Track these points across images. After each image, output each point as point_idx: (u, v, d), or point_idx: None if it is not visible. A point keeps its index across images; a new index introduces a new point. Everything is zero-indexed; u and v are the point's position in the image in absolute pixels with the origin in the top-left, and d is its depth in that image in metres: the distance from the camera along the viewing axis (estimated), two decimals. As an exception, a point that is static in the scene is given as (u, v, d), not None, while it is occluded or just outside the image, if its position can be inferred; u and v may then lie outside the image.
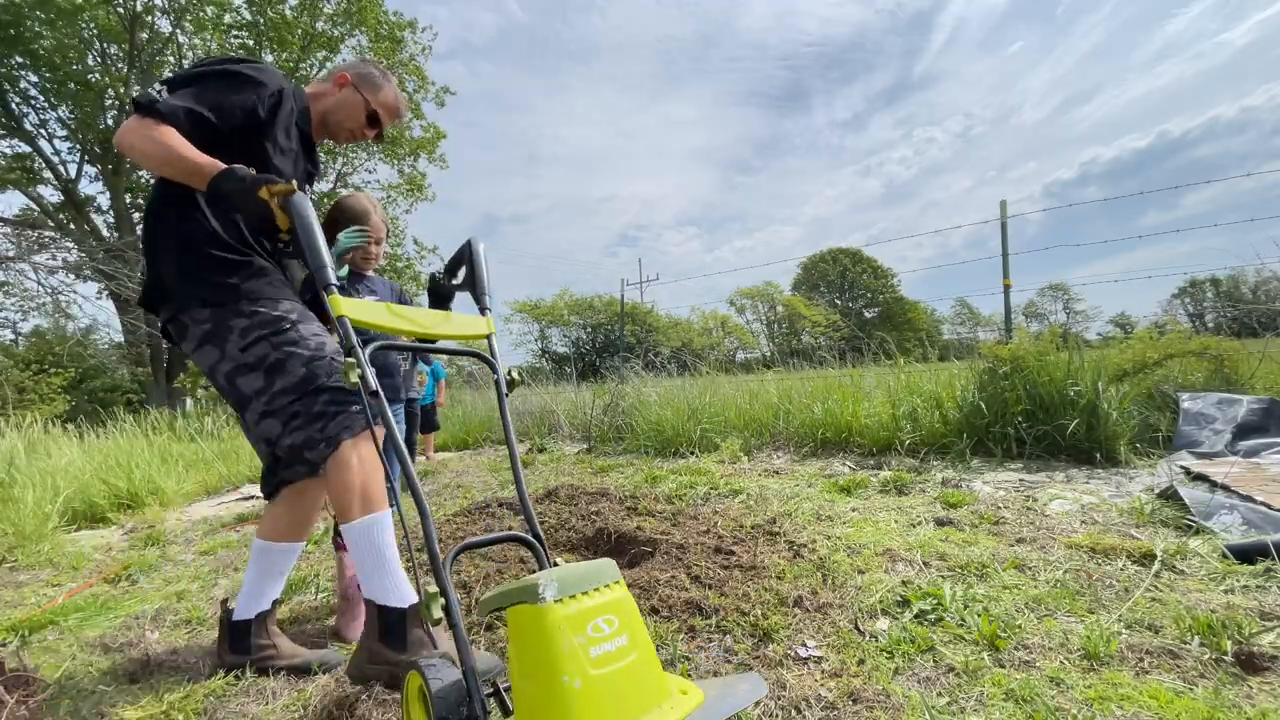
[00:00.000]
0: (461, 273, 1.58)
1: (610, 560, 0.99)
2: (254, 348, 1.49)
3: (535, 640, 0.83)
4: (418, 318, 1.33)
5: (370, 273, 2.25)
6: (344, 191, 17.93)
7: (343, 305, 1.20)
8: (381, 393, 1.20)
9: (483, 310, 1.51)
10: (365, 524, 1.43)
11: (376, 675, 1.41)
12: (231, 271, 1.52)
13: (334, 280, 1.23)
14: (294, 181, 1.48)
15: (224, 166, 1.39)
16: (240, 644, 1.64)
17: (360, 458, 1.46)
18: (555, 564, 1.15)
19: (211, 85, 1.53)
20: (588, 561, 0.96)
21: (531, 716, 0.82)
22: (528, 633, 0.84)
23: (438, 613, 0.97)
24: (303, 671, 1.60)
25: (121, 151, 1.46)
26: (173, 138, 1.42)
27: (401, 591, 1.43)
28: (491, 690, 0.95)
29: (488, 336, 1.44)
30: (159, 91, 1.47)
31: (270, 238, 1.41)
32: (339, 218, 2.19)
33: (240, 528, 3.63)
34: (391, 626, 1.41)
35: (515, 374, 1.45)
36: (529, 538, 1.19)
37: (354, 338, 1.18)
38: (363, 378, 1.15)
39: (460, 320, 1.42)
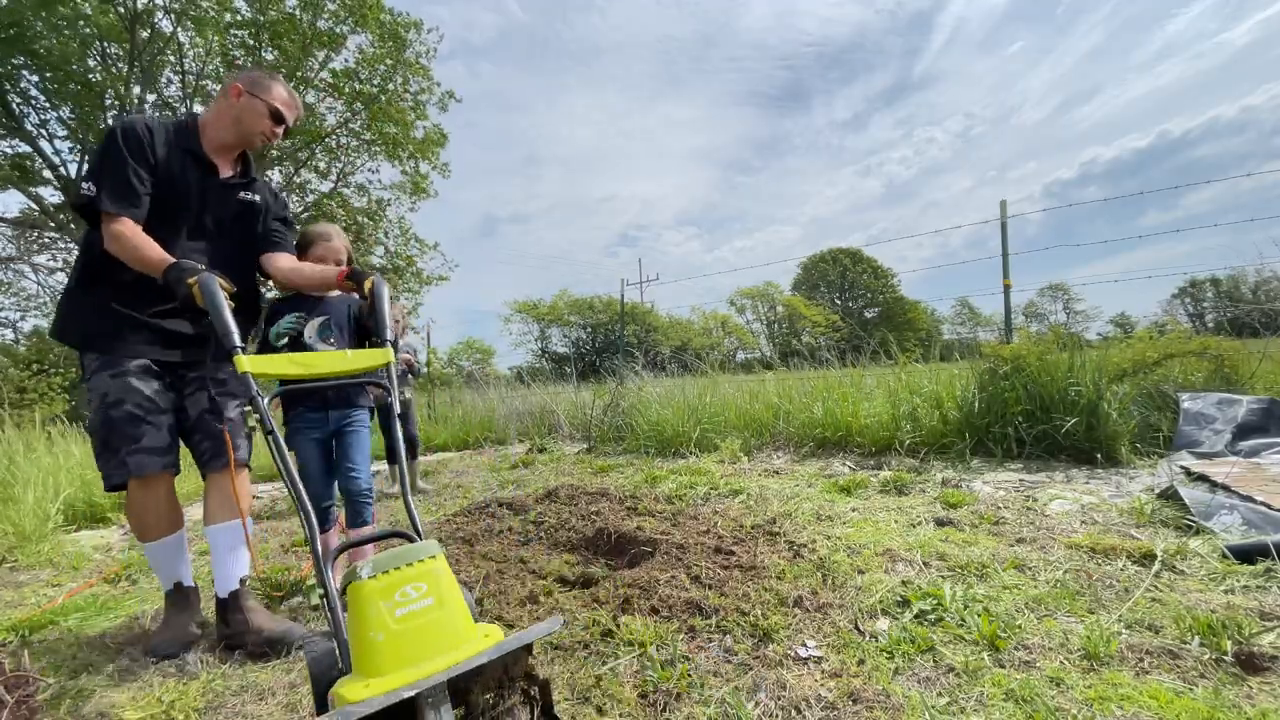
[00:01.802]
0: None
1: (434, 541, 1.20)
2: (89, 381, 1.88)
3: (356, 608, 1.06)
4: (315, 363, 1.54)
5: (334, 291, 2.40)
6: (346, 191, 17.95)
7: (245, 363, 1.42)
8: (277, 432, 1.39)
9: (381, 343, 1.74)
10: (148, 549, 1.88)
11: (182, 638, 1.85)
12: (105, 321, 1.86)
13: (238, 344, 1.47)
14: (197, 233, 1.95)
15: (171, 261, 1.70)
16: (224, 619, 1.91)
17: (137, 497, 1.85)
18: None
19: (115, 162, 1.81)
20: (411, 545, 1.17)
21: (357, 666, 1.04)
22: (353, 603, 1.07)
23: (315, 599, 1.27)
24: (274, 644, 1.80)
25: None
26: (126, 236, 1.75)
27: (174, 576, 1.92)
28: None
29: (386, 365, 1.66)
30: (89, 188, 1.78)
31: (195, 313, 1.65)
32: (304, 243, 2.42)
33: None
34: (175, 604, 1.90)
35: (408, 394, 1.95)
36: (409, 533, 1.39)
37: (254, 387, 1.40)
38: (260, 420, 1.37)
39: (358, 355, 1.64)
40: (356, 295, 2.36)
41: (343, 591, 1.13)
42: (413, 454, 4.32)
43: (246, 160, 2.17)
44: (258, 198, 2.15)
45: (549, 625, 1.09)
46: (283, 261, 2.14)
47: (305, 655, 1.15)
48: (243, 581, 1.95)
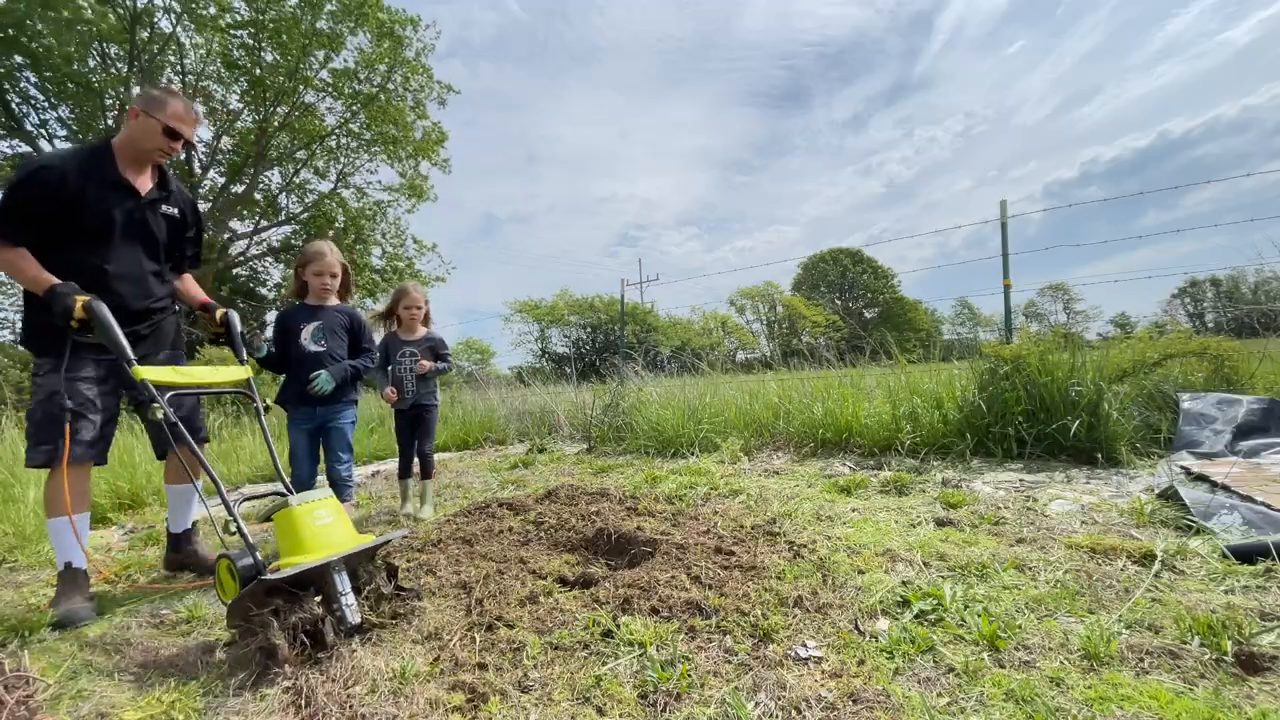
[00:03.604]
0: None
1: (328, 489, 1.98)
2: (37, 379, 2.18)
3: (289, 522, 1.75)
4: (195, 374, 2.06)
5: (332, 301, 2.88)
6: (345, 192, 17.97)
7: (142, 372, 1.86)
8: (180, 425, 1.84)
9: (241, 362, 2.29)
10: (54, 524, 2.15)
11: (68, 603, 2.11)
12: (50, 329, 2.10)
13: (132, 357, 1.89)
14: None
15: (54, 283, 2.00)
16: (175, 547, 2.59)
17: (57, 479, 2.11)
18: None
19: (14, 203, 2.06)
20: (318, 490, 1.89)
21: (290, 552, 1.71)
22: (287, 520, 1.76)
23: (232, 529, 1.76)
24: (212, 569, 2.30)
25: None
26: (17, 260, 2.05)
27: (65, 558, 2.17)
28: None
29: (247, 380, 2.20)
30: None
31: (68, 327, 1.97)
32: (303, 260, 2.84)
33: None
34: (64, 576, 2.16)
35: (269, 403, 2.29)
36: (284, 490, 2.03)
37: (154, 390, 1.84)
38: (165, 415, 1.81)
39: (226, 370, 2.14)
40: (348, 306, 2.97)
41: (267, 519, 1.76)
42: (427, 473, 3.61)
43: (163, 174, 2.37)
44: (177, 210, 2.41)
45: (399, 533, 2.00)
46: (175, 283, 2.52)
47: (234, 559, 1.71)
48: (195, 525, 2.64)
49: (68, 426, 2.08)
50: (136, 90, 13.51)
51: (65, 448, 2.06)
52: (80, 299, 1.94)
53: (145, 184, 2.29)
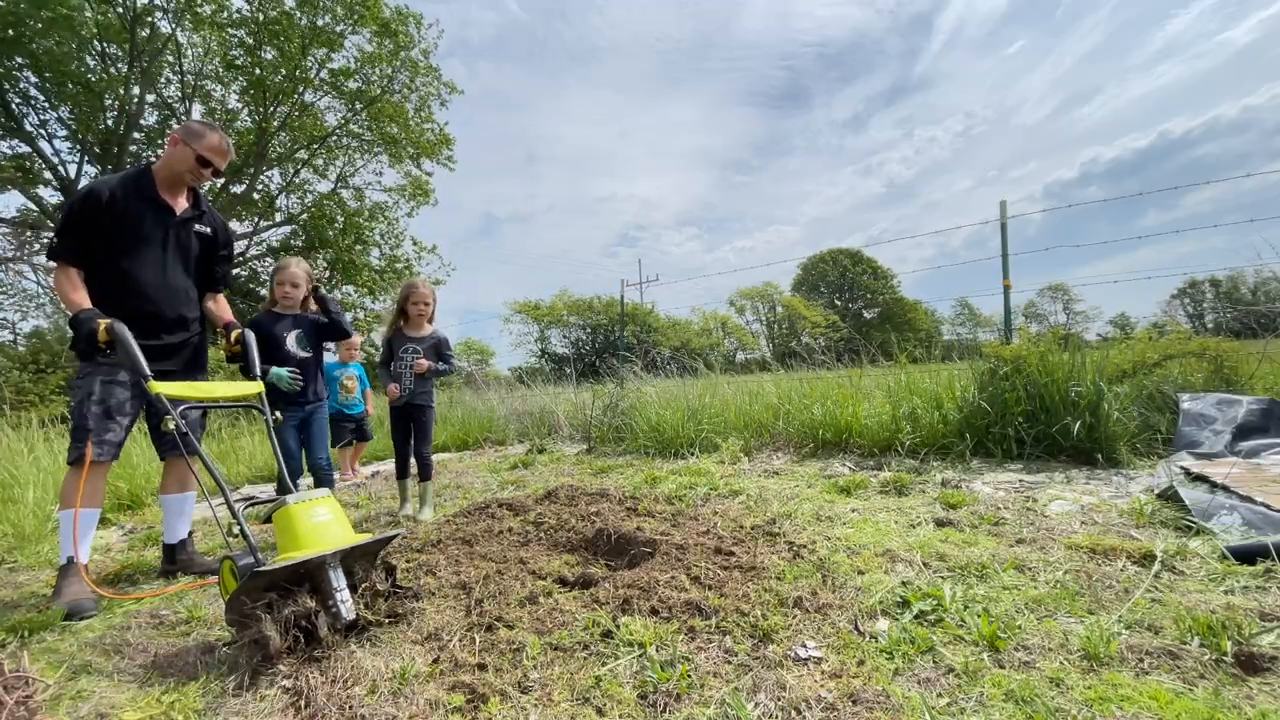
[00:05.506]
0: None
1: (325, 489, 1.96)
2: (77, 381, 2.36)
3: (286, 519, 1.79)
4: (206, 388, 2.14)
5: (297, 311, 3.10)
6: (344, 193, 17.97)
7: (156, 386, 1.96)
8: (191, 434, 1.91)
9: (251, 378, 2.39)
10: (66, 514, 2.25)
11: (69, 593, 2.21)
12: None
13: (149, 374, 1.99)
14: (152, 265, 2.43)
15: (82, 307, 2.17)
16: (170, 559, 2.67)
17: (71, 478, 2.27)
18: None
19: (71, 223, 2.29)
20: (317, 489, 1.92)
21: (286, 548, 1.74)
22: (284, 518, 1.79)
23: (235, 530, 1.83)
24: (209, 571, 2.60)
25: None
26: (64, 281, 2.25)
27: (69, 552, 2.26)
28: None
29: (259, 394, 2.27)
30: (54, 240, 2.30)
31: (93, 348, 2.09)
32: (274, 272, 3.12)
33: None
34: (66, 570, 2.25)
35: (278, 415, 2.36)
36: (290, 488, 2.02)
37: (167, 403, 1.93)
38: (176, 426, 1.90)
39: (238, 385, 2.25)
40: (319, 311, 3.15)
41: (268, 519, 1.86)
42: (425, 475, 3.60)
43: (197, 196, 2.59)
44: (209, 229, 2.62)
45: (394, 533, 1.95)
46: (207, 301, 2.71)
47: (236, 559, 1.76)
48: (191, 534, 2.74)
49: (90, 430, 2.26)
50: (138, 93, 13.51)
51: (88, 448, 2.24)
52: (103, 322, 2.08)
53: (181, 204, 2.50)
